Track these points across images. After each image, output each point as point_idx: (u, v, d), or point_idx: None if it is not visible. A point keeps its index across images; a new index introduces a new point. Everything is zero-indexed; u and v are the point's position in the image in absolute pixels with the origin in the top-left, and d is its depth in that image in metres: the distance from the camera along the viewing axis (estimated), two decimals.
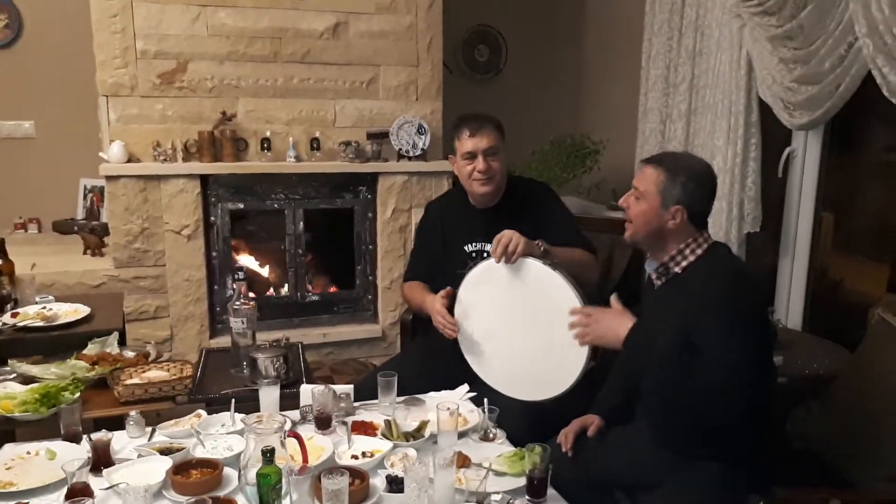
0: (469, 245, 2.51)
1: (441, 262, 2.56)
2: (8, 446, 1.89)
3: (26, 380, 2.18)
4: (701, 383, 1.65)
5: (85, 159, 3.68)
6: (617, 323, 1.80)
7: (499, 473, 1.74)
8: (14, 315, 2.55)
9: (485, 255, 2.40)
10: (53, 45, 3.88)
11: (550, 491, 1.67)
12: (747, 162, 3.06)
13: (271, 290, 3.91)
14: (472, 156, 2.40)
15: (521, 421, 2.04)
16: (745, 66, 3.01)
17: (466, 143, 2.40)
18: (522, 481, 1.69)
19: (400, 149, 3.79)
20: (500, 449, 1.88)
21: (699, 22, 3.30)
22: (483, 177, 2.40)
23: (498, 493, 1.63)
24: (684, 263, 1.83)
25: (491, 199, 2.47)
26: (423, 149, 3.81)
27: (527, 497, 1.64)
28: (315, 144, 3.68)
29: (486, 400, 2.03)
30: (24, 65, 3.89)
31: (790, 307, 3.17)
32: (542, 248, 2.13)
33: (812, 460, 1.97)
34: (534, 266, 2.05)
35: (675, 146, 3.45)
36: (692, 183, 1.81)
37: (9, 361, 2.25)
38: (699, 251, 1.82)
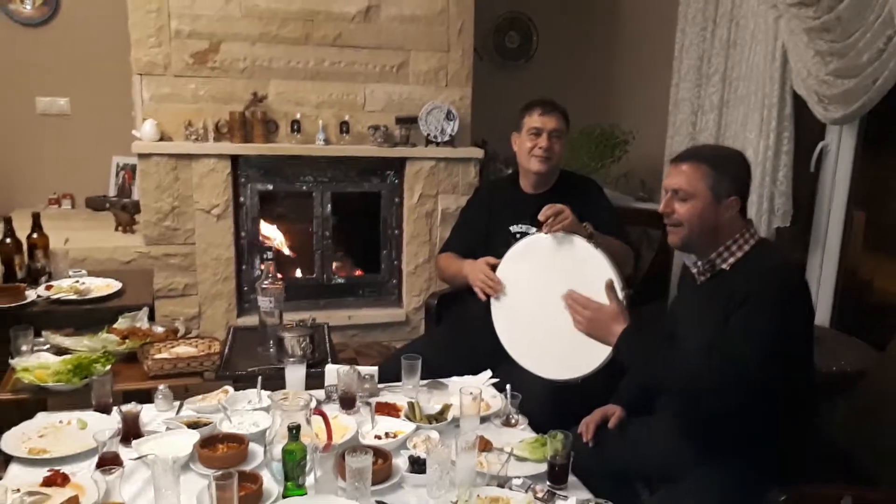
0: (515, 226, 2.57)
1: (483, 240, 2.61)
2: (41, 415, 1.93)
3: (59, 351, 2.23)
4: (725, 375, 1.64)
5: (118, 137, 3.74)
6: (609, 324, 1.81)
7: (520, 458, 1.75)
8: (48, 288, 2.61)
9: (531, 232, 2.43)
10: (89, 23, 3.93)
11: (571, 478, 1.68)
12: (779, 155, 3.03)
13: (298, 271, 3.95)
14: (537, 132, 2.50)
15: (544, 408, 2.05)
16: (779, 59, 2.96)
17: (536, 119, 2.51)
18: (543, 467, 1.70)
19: (428, 134, 3.79)
20: (521, 435, 1.89)
21: (734, 12, 3.25)
22: (543, 154, 2.50)
23: (519, 477, 1.65)
24: (731, 260, 1.79)
25: (543, 184, 2.57)
26: (451, 135, 3.81)
27: (548, 483, 1.65)
28: (344, 128, 3.70)
29: (508, 386, 2.04)
30: (60, 42, 3.95)
31: (818, 304, 3.13)
32: (588, 230, 2.17)
33: (837, 457, 1.95)
34: (578, 244, 2.07)
35: (706, 138, 3.41)
36: (739, 170, 1.80)
37: (42, 333, 2.30)
38: (746, 247, 1.78)
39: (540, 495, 1.59)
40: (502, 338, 2.24)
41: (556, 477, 1.65)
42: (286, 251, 3.94)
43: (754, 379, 1.64)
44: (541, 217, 2.11)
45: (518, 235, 2.49)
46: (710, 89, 3.42)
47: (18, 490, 1.54)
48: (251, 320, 3.37)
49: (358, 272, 4.06)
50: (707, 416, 1.77)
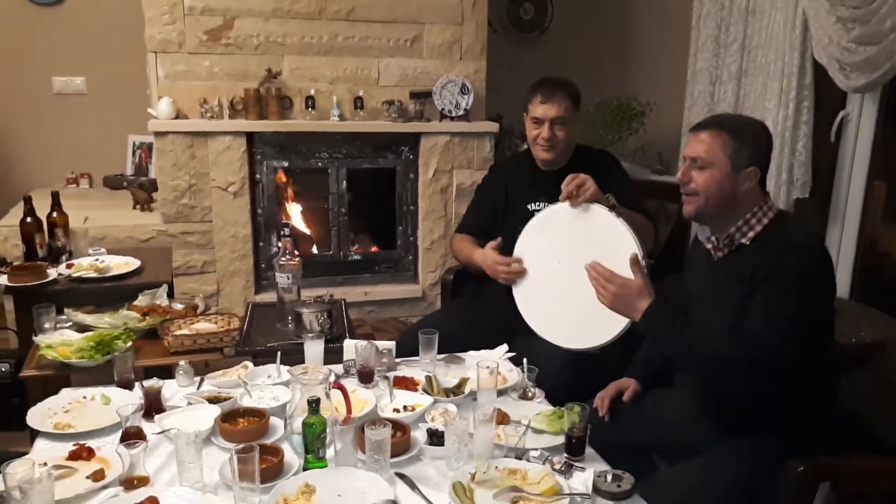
0: (532, 204, 2.53)
1: (501, 218, 2.59)
2: (65, 391, 1.97)
3: (81, 328, 2.27)
4: (749, 351, 1.63)
5: (134, 115, 3.76)
6: (634, 299, 1.78)
7: (537, 431, 1.76)
8: (69, 266, 2.65)
9: None
10: (103, 1, 3.93)
11: (588, 450, 1.69)
12: (798, 125, 2.98)
13: (314, 248, 3.97)
14: (539, 122, 2.43)
15: (560, 381, 2.05)
16: (800, 26, 2.90)
17: (537, 108, 2.43)
18: (561, 439, 1.70)
19: (443, 108, 3.77)
20: (538, 408, 1.90)
21: None
22: (546, 144, 2.44)
23: (536, 449, 1.66)
24: (751, 234, 1.75)
25: (557, 163, 2.50)
26: (465, 109, 3.79)
27: (565, 455, 1.66)
28: (358, 103, 3.69)
29: (525, 360, 2.05)
30: (75, 21, 3.95)
31: (838, 276, 3.08)
32: (610, 201, 2.14)
33: (858, 429, 1.95)
34: (600, 213, 2.04)
35: (725, 108, 3.36)
36: (760, 141, 1.75)
37: (65, 310, 2.33)
38: (765, 220, 1.75)
39: (557, 467, 1.60)
40: (522, 309, 2.24)
41: (574, 449, 1.66)
42: (304, 229, 3.96)
43: (779, 358, 1.62)
44: (563, 188, 2.08)
45: (536, 213, 2.44)
46: (728, 59, 3.36)
47: (45, 464, 1.57)
48: (269, 297, 3.41)
49: (374, 248, 4.07)
50: (730, 395, 1.76)
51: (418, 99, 3.75)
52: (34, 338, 2.17)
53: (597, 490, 1.42)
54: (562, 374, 2.09)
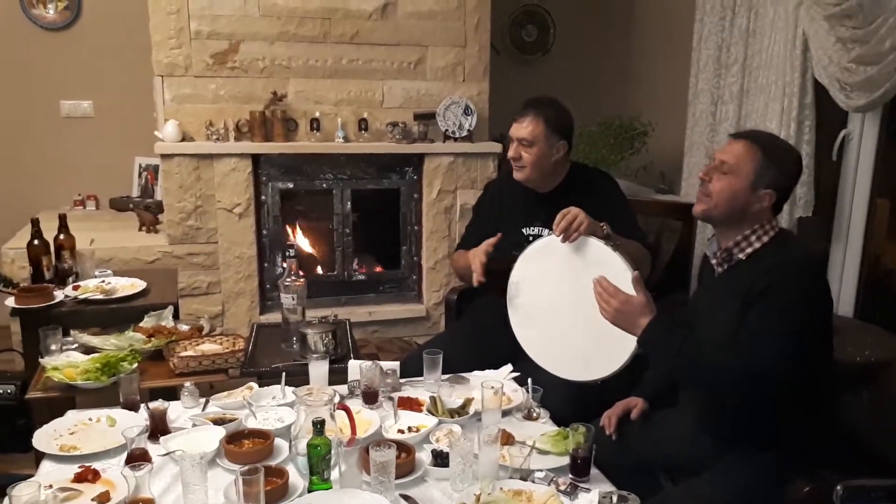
0: (527, 228, 2.51)
1: (497, 244, 2.51)
2: (71, 413, 1.97)
3: (87, 350, 2.27)
4: (746, 369, 1.64)
5: (140, 138, 3.80)
6: (636, 315, 1.78)
7: (542, 451, 1.76)
8: (75, 288, 2.66)
9: (544, 234, 2.41)
10: (110, 26, 3.98)
11: (593, 471, 1.69)
12: (800, 145, 2.99)
13: (319, 268, 3.98)
14: (511, 140, 2.45)
15: (565, 401, 2.05)
16: (800, 46, 2.93)
17: (512, 126, 2.46)
18: (566, 460, 1.70)
19: (446, 130, 3.80)
20: (543, 428, 1.90)
21: (753, 1, 3.22)
22: (515, 164, 2.45)
23: (541, 470, 1.65)
24: (749, 250, 1.78)
25: (543, 185, 2.49)
26: (469, 130, 3.82)
27: (570, 476, 1.66)
28: (363, 125, 3.72)
29: (529, 380, 2.05)
30: (82, 46, 4.00)
31: (842, 294, 3.09)
32: (605, 231, 2.12)
33: (861, 448, 1.94)
34: (595, 245, 2.03)
35: (727, 128, 3.38)
36: (789, 168, 1.77)
37: (71, 332, 2.34)
38: (765, 238, 1.77)
39: (563, 488, 1.60)
40: (520, 338, 2.24)
41: (579, 470, 1.66)
42: (308, 249, 3.98)
43: (773, 374, 1.63)
44: (555, 228, 2.08)
45: (531, 238, 2.44)
46: (729, 79, 3.39)
47: (51, 486, 1.58)
48: (274, 317, 3.42)
49: (378, 268, 4.09)
50: (730, 410, 1.77)
51: (422, 120, 3.78)
52: (40, 360, 2.18)
53: None
54: (567, 395, 2.08)
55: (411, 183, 3.89)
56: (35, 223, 2.72)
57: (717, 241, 1.86)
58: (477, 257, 2.34)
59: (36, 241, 2.70)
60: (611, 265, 1.96)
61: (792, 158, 1.81)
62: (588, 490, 1.61)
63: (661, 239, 3.22)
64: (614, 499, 1.42)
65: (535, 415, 1.99)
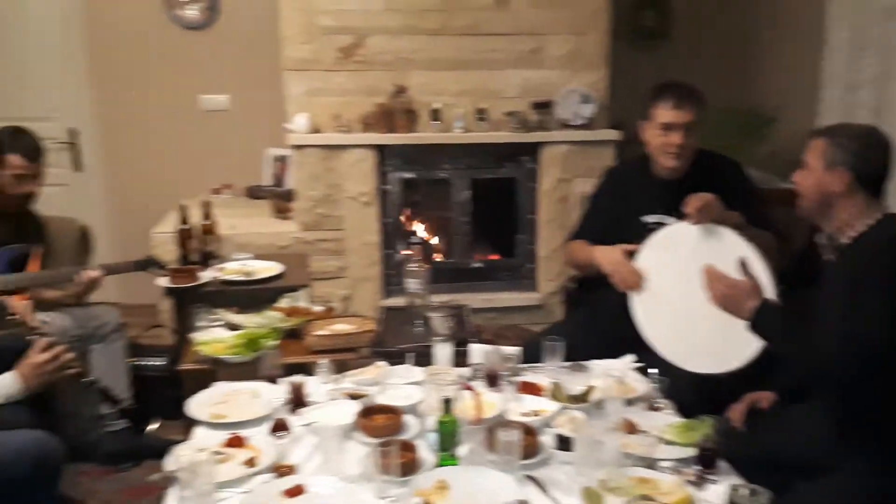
0: (648, 216, 2.45)
1: (614, 230, 2.49)
2: (219, 384, 2.14)
3: (230, 327, 2.46)
4: (852, 353, 1.62)
5: (272, 130, 4.01)
6: (743, 299, 1.80)
7: (668, 442, 1.75)
8: (219, 270, 2.87)
9: (666, 222, 2.36)
10: (246, 24, 4.21)
11: (721, 463, 1.67)
12: None
13: (437, 255, 4.08)
14: (668, 128, 2.32)
15: (690, 393, 2.02)
16: None
17: (666, 113, 2.32)
18: (691, 451, 1.69)
19: (564, 118, 3.79)
20: (667, 419, 1.89)
21: None
22: (676, 150, 2.33)
23: (667, 459, 1.66)
24: (852, 233, 1.77)
25: (678, 171, 2.40)
26: (587, 118, 3.79)
27: (697, 467, 1.65)
28: (481, 115, 3.77)
29: (653, 370, 2.04)
30: (220, 43, 4.25)
31: None
32: (737, 220, 2.08)
33: None
34: (726, 235, 2.00)
35: (864, 115, 3.19)
36: (854, 144, 1.76)
37: (216, 310, 2.54)
38: (870, 221, 1.76)
39: (690, 478, 1.60)
40: (642, 328, 2.22)
41: (706, 461, 1.64)
42: (427, 236, 4.09)
43: (884, 359, 1.60)
44: (687, 209, 2.05)
45: (652, 226, 2.39)
46: (865, 62, 3.19)
47: (205, 450, 1.73)
48: (397, 301, 3.53)
49: (494, 256, 4.14)
50: (851, 401, 1.72)
51: (539, 109, 3.79)
52: (192, 335, 2.37)
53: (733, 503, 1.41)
54: (692, 387, 2.06)
55: (528, 172, 3.91)
56: (183, 209, 2.95)
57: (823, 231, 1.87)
58: (625, 267, 2.29)
59: (184, 226, 2.93)
60: (740, 255, 1.93)
61: (856, 134, 1.81)
62: (715, 482, 1.60)
63: (791, 228, 3.10)
64: (744, 491, 1.41)
65: (658, 406, 1.98)
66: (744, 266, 1.83)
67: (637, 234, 2.37)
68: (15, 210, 2.82)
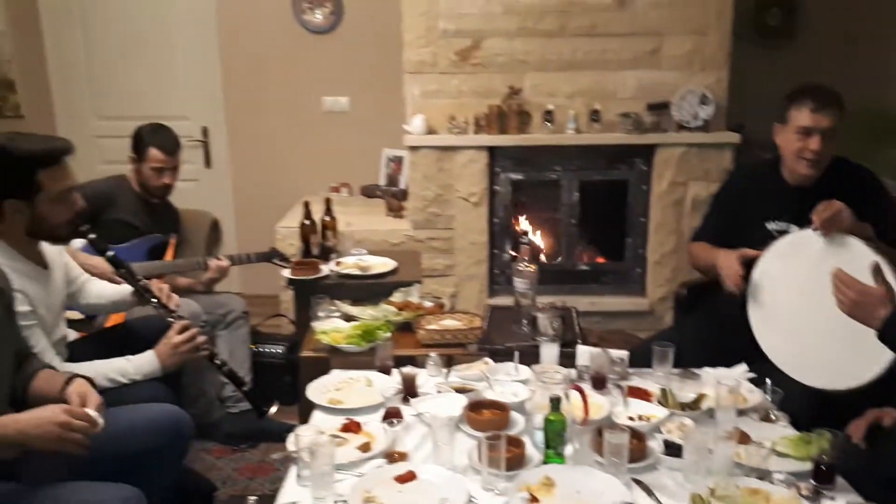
0: (772, 223, 2.37)
1: (736, 234, 2.42)
2: (335, 371, 2.25)
3: (347, 318, 2.57)
4: None
5: (388, 131, 4.15)
6: (874, 306, 1.70)
7: (781, 454, 1.71)
8: (337, 264, 3.02)
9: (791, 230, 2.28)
10: (367, 28, 4.37)
11: (839, 480, 1.61)
12: None
13: (543, 257, 4.10)
14: (807, 132, 2.23)
15: (807, 406, 1.96)
16: None
17: (806, 116, 2.22)
18: (807, 466, 1.64)
19: (680, 119, 3.72)
20: (781, 431, 1.84)
21: None
22: (814, 157, 2.24)
23: (781, 472, 1.62)
24: None
25: (810, 179, 2.30)
26: (705, 119, 3.70)
27: (812, 482, 1.60)
28: (594, 116, 3.76)
29: (769, 381, 1.99)
30: (342, 47, 4.43)
31: None
32: (869, 232, 1.99)
33: None
34: (857, 247, 1.92)
35: None
36: None
37: (335, 302, 2.66)
38: None
39: (805, 493, 1.55)
40: (759, 338, 2.16)
41: (823, 477, 1.59)
42: (533, 238, 4.11)
43: None
44: (815, 218, 1.97)
45: (776, 233, 2.31)
46: None
47: (323, 433, 1.83)
48: (501, 301, 3.59)
49: (601, 259, 4.11)
50: None
51: (655, 110, 3.73)
52: (312, 324, 2.51)
53: None
54: (809, 400, 1.99)
55: (641, 174, 3.86)
56: (307, 206, 3.11)
57: None
58: (733, 269, 2.24)
59: (307, 222, 3.09)
60: (873, 260, 1.84)
61: None
62: (832, 499, 1.55)
63: None
64: None
65: (773, 417, 1.93)
66: (877, 271, 1.74)
67: (760, 240, 2.30)
68: (155, 201, 3.07)
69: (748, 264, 2.25)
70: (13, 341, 1.80)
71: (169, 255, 3.08)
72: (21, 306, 1.88)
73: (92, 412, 1.62)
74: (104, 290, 2.43)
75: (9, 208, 1.90)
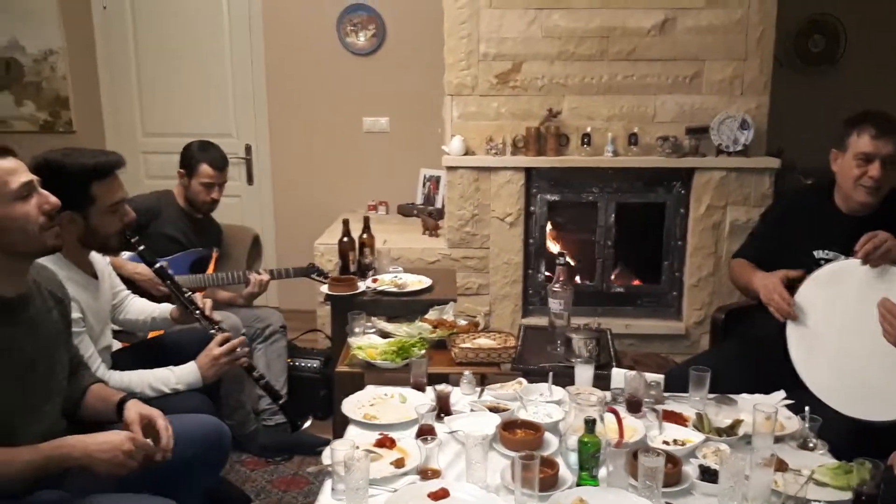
0: (820, 251, 2.32)
1: (780, 258, 2.38)
2: (370, 387, 2.27)
3: (382, 334, 2.60)
4: None
5: (426, 151, 4.21)
6: None
7: (820, 483, 1.68)
8: (374, 281, 3.06)
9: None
10: (408, 51, 4.45)
11: None
12: None
13: (577, 278, 4.09)
14: (867, 158, 2.19)
15: (846, 435, 1.93)
16: None
17: (867, 143, 2.19)
18: (846, 495, 1.62)
19: (720, 144, 3.71)
20: (820, 459, 1.81)
21: None
22: (873, 185, 2.20)
23: (819, 501, 1.60)
24: None
25: (867, 207, 2.27)
26: (744, 144, 3.69)
27: None
28: (633, 139, 3.76)
29: (807, 409, 1.96)
30: (383, 69, 4.52)
31: None
32: None
33: None
34: None
35: None
36: None
37: (371, 318, 2.70)
38: None
39: None
40: (798, 366, 2.13)
41: None
42: (570, 260, 4.11)
43: None
44: (859, 246, 1.95)
45: (823, 263, 2.27)
46: None
47: (358, 447, 1.85)
48: (534, 321, 3.59)
49: (636, 282, 4.09)
50: None
51: (694, 135, 3.73)
52: (348, 339, 2.54)
53: None
54: (848, 429, 1.96)
55: (678, 197, 3.85)
56: (346, 223, 3.16)
57: None
58: (775, 291, 2.22)
59: (346, 239, 3.14)
60: None
61: None
62: None
63: None
64: None
65: (811, 445, 1.90)
66: None
67: (805, 267, 2.26)
68: (199, 216, 3.15)
69: (790, 287, 2.23)
70: (69, 348, 1.87)
71: (211, 269, 3.15)
72: (74, 314, 1.95)
73: (162, 445, 1.72)
74: (145, 307, 2.50)
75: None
